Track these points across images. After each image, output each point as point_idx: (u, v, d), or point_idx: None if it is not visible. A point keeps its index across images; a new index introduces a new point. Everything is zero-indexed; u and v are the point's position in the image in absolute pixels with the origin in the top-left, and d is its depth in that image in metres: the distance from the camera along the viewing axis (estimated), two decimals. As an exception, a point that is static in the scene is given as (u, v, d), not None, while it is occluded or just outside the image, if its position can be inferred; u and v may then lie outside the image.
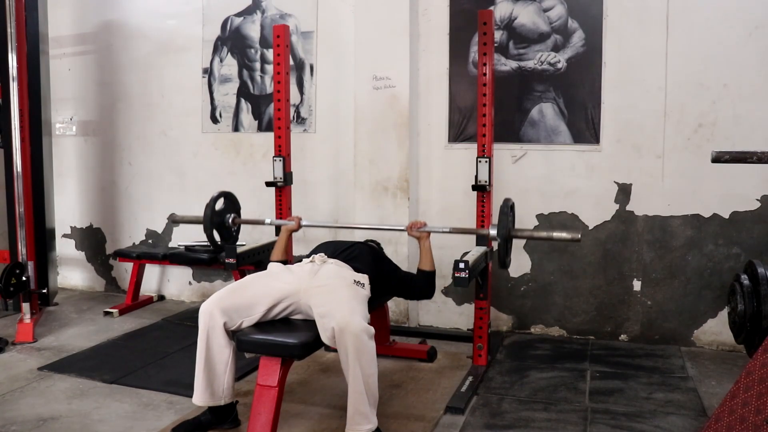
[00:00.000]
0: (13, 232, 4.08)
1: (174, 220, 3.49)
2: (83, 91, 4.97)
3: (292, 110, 4.22)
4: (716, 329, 3.57)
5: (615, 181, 3.70)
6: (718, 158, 2.18)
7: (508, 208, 2.89)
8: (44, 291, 4.32)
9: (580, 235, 2.77)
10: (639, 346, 3.65)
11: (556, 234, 2.81)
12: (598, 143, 3.71)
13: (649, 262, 3.67)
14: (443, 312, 4.08)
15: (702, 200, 3.55)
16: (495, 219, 3.48)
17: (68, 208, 5.06)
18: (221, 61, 4.56)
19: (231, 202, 3.43)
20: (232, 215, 3.40)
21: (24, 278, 3.86)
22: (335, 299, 2.40)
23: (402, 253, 3.92)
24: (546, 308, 3.89)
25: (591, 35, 3.68)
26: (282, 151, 3.61)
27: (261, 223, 3.44)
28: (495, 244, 3.03)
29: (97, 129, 4.97)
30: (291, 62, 4.05)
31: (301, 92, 4.34)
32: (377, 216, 3.98)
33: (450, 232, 3.08)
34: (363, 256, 2.84)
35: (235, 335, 2.41)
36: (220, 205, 3.33)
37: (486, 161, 3.19)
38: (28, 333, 3.73)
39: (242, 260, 3.25)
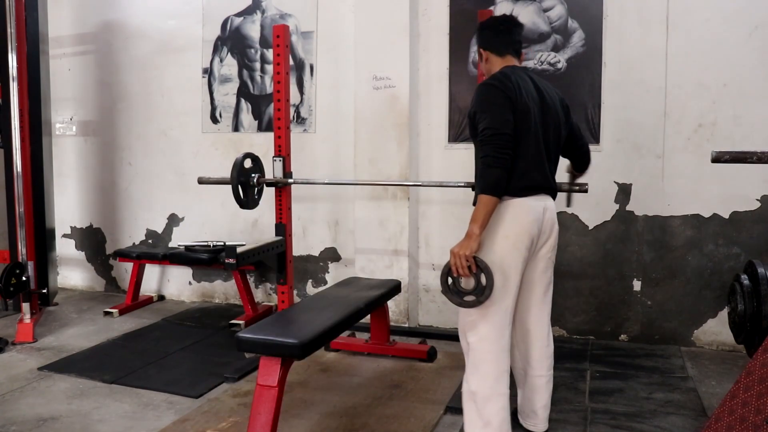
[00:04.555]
0: (13, 232, 4.08)
1: (201, 182, 3.72)
2: (83, 91, 4.97)
3: (292, 110, 4.22)
4: (716, 329, 3.57)
5: (615, 181, 3.70)
6: (718, 158, 2.18)
7: None
8: (44, 291, 4.32)
9: (587, 186, 2.93)
10: (639, 346, 3.65)
11: (564, 185, 2.97)
12: (598, 143, 3.71)
13: (649, 262, 3.67)
14: (443, 312, 4.08)
15: (702, 200, 3.55)
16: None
17: (68, 208, 5.06)
18: (221, 61, 4.56)
19: (256, 164, 3.60)
20: (257, 175, 3.57)
21: (24, 278, 3.86)
22: None
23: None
24: (546, 308, 3.88)
25: (591, 35, 3.68)
26: (282, 151, 3.61)
27: (285, 183, 3.56)
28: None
29: (97, 129, 4.97)
30: (291, 62, 4.05)
31: (301, 92, 4.34)
32: (377, 216, 3.98)
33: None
34: None
35: (235, 335, 2.40)
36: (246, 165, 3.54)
37: (486, 161, 3.18)
38: (28, 333, 3.73)
39: (242, 260, 3.25)
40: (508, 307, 2.24)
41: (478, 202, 2.10)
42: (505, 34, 2.40)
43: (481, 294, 2.12)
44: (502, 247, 2.19)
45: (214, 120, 4.61)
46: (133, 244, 4.90)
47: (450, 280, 2.17)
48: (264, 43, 4.43)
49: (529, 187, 2.23)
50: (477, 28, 2.49)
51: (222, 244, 4.28)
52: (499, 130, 2.08)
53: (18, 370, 3.25)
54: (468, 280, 2.14)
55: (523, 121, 2.17)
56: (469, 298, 2.15)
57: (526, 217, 2.22)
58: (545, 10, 3.75)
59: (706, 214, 3.55)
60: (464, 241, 2.09)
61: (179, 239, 4.69)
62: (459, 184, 3.27)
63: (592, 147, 3.68)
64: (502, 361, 2.23)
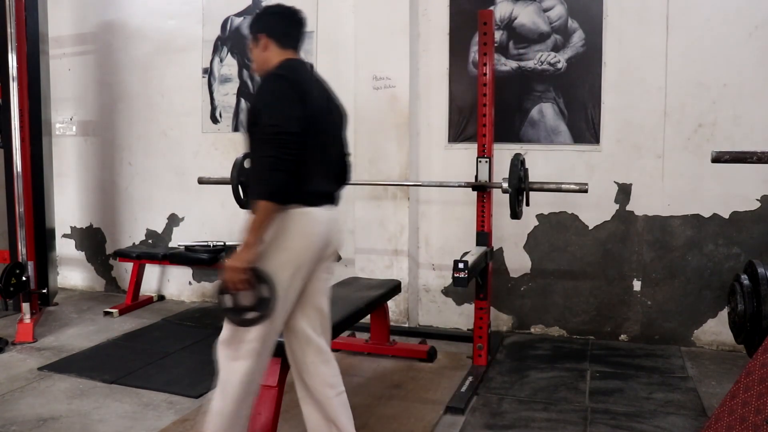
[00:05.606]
0: (13, 232, 4.08)
1: (201, 182, 3.75)
2: (83, 91, 4.97)
3: (292, 110, 4.21)
4: (716, 329, 3.57)
5: (615, 181, 3.70)
6: (718, 158, 2.18)
7: (518, 161, 2.98)
8: (44, 291, 4.32)
9: (587, 186, 2.98)
10: (639, 346, 3.65)
11: (564, 186, 3.03)
12: (598, 143, 3.71)
13: (649, 262, 3.67)
14: (443, 312, 4.08)
15: (702, 200, 3.55)
16: (495, 218, 3.50)
17: (68, 208, 5.06)
18: (221, 61, 4.56)
19: None
20: None
21: (24, 278, 3.86)
22: None
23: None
24: (546, 308, 3.89)
25: (591, 35, 3.68)
26: (282, 151, 3.61)
27: None
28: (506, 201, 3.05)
29: (97, 129, 4.97)
30: (291, 62, 4.04)
31: (301, 92, 4.34)
32: (377, 216, 3.98)
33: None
34: None
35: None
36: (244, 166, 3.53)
37: (486, 161, 3.19)
38: (28, 333, 3.73)
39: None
40: (277, 328, 2.02)
41: (256, 208, 1.82)
42: (295, 27, 2.11)
43: (265, 308, 1.87)
44: (281, 260, 1.93)
45: (214, 120, 4.61)
46: (133, 244, 4.90)
47: (228, 298, 1.89)
48: (264, 43, 4.43)
49: (318, 195, 2.01)
50: (261, 12, 2.17)
51: (222, 244, 4.28)
52: (284, 128, 1.82)
53: (18, 370, 3.24)
54: (247, 295, 1.87)
55: (313, 120, 1.93)
56: (251, 314, 1.89)
57: (314, 229, 1.98)
58: (545, 10, 3.75)
59: (706, 214, 3.55)
60: (238, 252, 1.84)
61: (179, 239, 4.69)
62: (459, 184, 3.27)
63: (592, 147, 3.73)
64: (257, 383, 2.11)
